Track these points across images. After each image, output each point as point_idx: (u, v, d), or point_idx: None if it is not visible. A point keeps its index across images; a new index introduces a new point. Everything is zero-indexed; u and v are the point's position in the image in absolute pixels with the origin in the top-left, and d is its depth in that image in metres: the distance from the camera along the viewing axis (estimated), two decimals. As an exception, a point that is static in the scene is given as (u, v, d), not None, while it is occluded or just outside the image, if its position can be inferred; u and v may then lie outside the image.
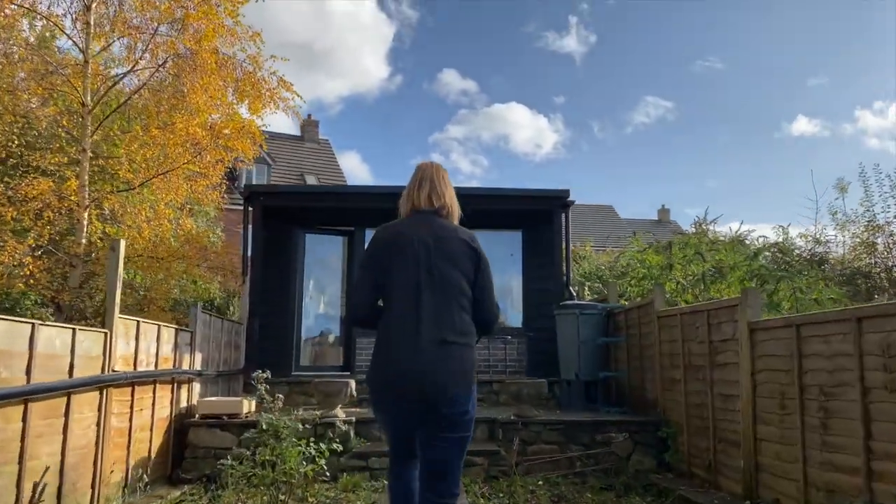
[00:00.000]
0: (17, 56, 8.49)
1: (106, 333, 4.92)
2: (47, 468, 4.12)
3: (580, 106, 60.48)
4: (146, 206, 9.04)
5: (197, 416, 6.52)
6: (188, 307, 8.71)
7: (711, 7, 53.24)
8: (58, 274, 8.17)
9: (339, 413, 6.62)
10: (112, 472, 5.05)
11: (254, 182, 22.56)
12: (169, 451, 6.19)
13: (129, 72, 8.72)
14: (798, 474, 4.41)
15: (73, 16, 8.32)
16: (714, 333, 5.72)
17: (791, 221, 34.70)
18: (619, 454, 6.49)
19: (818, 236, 11.38)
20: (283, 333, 9.35)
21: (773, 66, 53.80)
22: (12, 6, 7.79)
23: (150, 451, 5.78)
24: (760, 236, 13.45)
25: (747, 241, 10.74)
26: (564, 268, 9.26)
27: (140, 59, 8.62)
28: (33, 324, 4.02)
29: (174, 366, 6.34)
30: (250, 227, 9.12)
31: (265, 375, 5.46)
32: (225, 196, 11.90)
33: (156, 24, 8.38)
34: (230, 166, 10.25)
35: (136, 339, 5.48)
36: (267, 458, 4.76)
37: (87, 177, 8.25)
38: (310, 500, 5.13)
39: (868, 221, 10.39)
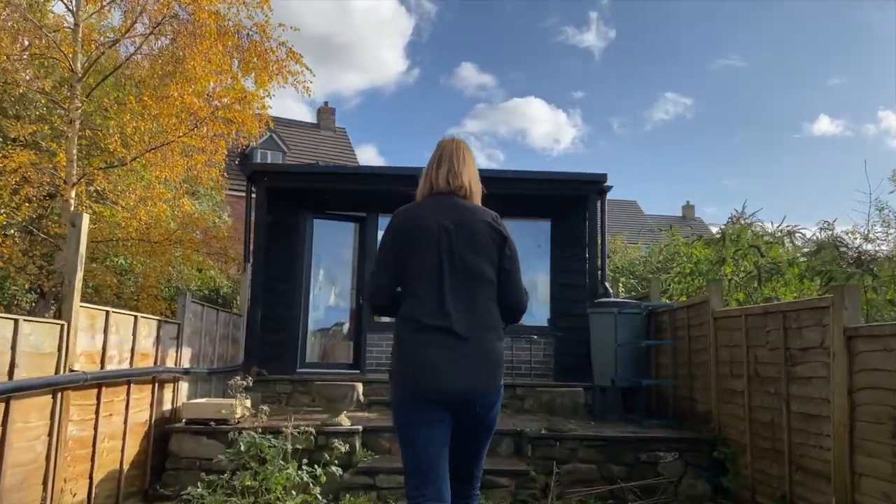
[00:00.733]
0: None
1: (62, 325, 4.09)
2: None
3: (599, 101, 59.27)
4: (140, 185, 8.23)
5: (183, 420, 5.70)
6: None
7: (731, 5, 51.60)
8: (36, 255, 7.35)
9: (344, 420, 5.77)
10: (70, 490, 4.23)
11: (267, 168, 21.84)
12: (147, 461, 5.36)
13: (122, 36, 7.92)
14: (917, 523, 3.47)
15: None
16: (792, 339, 4.76)
17: (803, 222, 33.38)
18: (667, 477, 5.58)
19: (867, 233, 10.37)
20: (287, 326, 8.49)
21: (795, 65, 52.11)
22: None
23: (121, 463, 4.94)
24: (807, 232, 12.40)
25: (797, 237, 9.77)
26: (600, 261, 8.30)
27: (136, 21, 7.82)
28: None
29: (155, 363, 5.51)
30: (253, 209, 8.33)
31: (249, 381, 4.58)
32: (227, 180, 11.05)
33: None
34: (235, 144, 9.43)
35: (105, 332, 4.64)
36: (247, 483, 3.88)
37: (75, 150, 7.47)
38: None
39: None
